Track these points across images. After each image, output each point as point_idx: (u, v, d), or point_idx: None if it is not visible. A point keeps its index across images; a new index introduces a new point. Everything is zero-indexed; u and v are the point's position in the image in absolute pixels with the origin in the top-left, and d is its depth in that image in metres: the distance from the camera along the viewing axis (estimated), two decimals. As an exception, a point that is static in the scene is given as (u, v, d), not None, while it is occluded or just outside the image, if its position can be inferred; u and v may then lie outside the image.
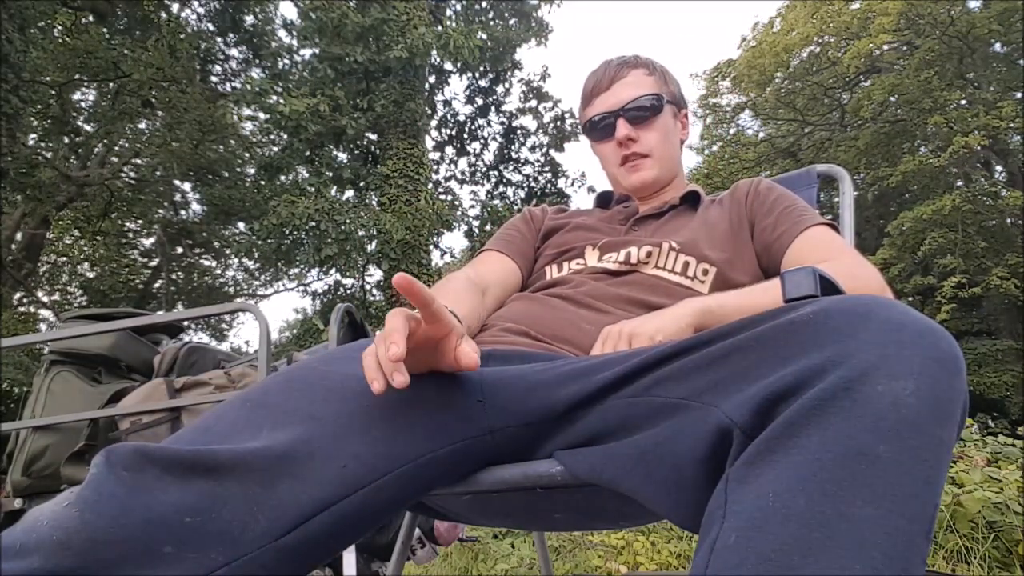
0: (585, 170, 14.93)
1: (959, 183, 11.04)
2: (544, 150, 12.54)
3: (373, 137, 10.22)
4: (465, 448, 0.62)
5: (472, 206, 12.89)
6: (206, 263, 14.76)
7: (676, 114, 1.07)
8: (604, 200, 1.13)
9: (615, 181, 1.08)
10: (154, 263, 14.20)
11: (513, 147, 12.69)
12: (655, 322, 0.71)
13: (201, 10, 10.75)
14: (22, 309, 12.86)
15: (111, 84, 10.01)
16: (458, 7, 11.91)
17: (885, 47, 11.69)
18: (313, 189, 9.15)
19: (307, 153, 9.54)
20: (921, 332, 0.43)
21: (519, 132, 12.61)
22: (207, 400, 1.81)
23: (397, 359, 0.52)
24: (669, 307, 0.76)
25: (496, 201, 12.35)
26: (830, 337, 0.44)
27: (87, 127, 11.05)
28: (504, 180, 12.85)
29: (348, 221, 8.33)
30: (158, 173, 11.13)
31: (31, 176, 8.70)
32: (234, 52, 11.64)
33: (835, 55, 12.35)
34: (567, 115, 12.16)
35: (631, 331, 0.71)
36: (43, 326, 12.88)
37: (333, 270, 9.19)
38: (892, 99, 11.39)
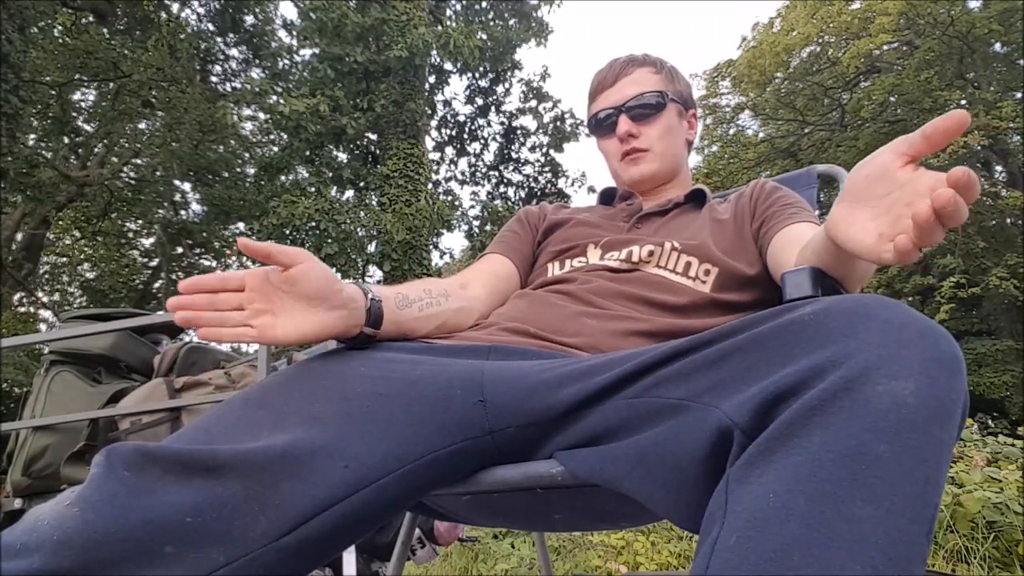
0: (585, 170, 14.95)
1: (959, 183, 10.99)
2: (544, 150, 12.55)
3: (373, 137, 10.23)
4: (465, 448, 0.62)
5: (472, 206, 12.91)
6: (206, 263, 14.74)
7: (682, 113, 1.06)
8: (607, 197, 1.12)
9: (617, 176, 1.08)
10: (154, 263, 14.20)
11: (513, 147, 12.69)
12: None
13: (201, 10, 10.75)
14: (22, 309, 12.86)
15: (111, 84, 10.00)
16: (458, 7, 11.92)
17: (885, 47, 11.70)
18: (313, 189, 9.17)
19: (307, 153, 9.55)
20: (921, 332, 0.43)
21: (519, 132, 12.61)
22: (207, 400, 1.81)
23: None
24: None
25: (496, 201, 12.35)
26: (830, 337, 0.44)
27: (87, 127, 11.04)
28: (504, 180, 12.86)
29: (348, 221, 8.34)
30: (158, 173, 11.12)
31: (31, 176, 8.69)
32: (234, 52, 11.65)
33: (835, 55, 12.34)
34: (567, 115, 12.17)
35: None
36: (43, 326, 12.91)
37: (333, 270, 9.18)
38: (892, 99, 11.40)
